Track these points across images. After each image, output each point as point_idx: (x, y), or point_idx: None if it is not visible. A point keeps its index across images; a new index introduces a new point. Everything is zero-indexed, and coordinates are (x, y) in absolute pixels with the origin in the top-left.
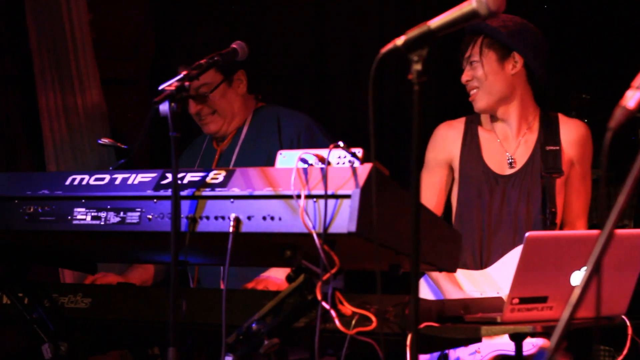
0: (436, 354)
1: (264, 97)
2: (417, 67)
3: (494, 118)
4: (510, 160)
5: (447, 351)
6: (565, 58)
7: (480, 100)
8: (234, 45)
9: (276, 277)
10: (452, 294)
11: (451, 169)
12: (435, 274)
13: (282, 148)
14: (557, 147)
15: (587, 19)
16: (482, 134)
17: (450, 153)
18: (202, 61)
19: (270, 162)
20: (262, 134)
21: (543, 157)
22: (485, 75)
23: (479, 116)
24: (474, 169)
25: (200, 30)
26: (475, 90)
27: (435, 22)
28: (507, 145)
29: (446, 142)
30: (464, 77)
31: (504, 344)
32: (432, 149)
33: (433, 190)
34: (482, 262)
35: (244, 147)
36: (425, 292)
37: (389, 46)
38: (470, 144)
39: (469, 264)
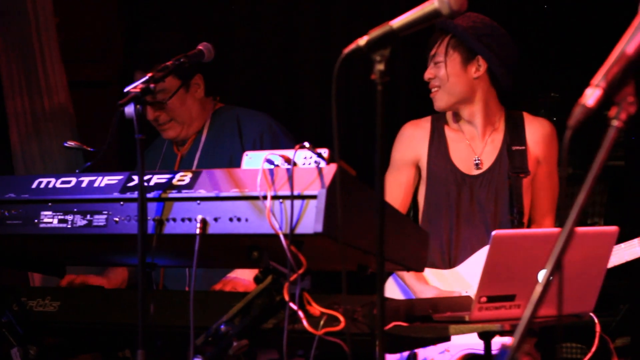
0: (405, 353)
1: (222, 98)
2: (380, 67)
3: (458, 117)
4: (477, 162)
5: (416, 350)
6: (534, 56)
7: (440, 100)
8: (200, 47)
9: (243, 277)
10: (422, 291)
11: (418, 168)
12: (403, 273)
13: (244, 150)
14: (523, 147)
15: (556, 17)
16: (449, 133)
17: (417, 152)
18: (168, 63)
19: (233, 165)
20: (223, 136)
21: (510, 157)
22: (447, 76)
23: (444, 115)
24: (442, 168)
25: (157, 35)
26: (436, 89)
27: (397, 22)
28: (475, 146)
29: (413, 141)
30: (427, 75)
31: (473, 342)
32: (399, 149)
33: (399, 189)
34: (450, 261)
35: (205, 151)
36: (394, 291)
37: (352, 46)
38: (438, 143)
39: (437, 263)
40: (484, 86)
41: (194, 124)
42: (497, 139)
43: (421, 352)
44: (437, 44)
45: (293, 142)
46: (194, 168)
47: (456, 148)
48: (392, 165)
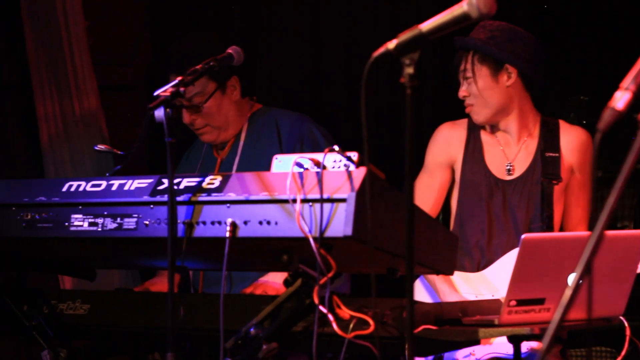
0: (431, 356)
1: (259, 99)
2: (409, 70)
3: (494, 126)
4: (509, 168)
5: (441, 353)
6: (563, 59)
7: (478, 115)
8: (229, 50)
9: (274, 281)
10: (447, 295)
11: (452, 170)
12: (431, 276)
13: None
14: (557, 154)
15: (584, 20)
16: (485, 137)
17: (452, 155)
18: (198, 67)
19: None
20: (262, 141)
21: (543, 163)
22: (480, 91)
23: None
24: (476, 172)
25: (191, 36)
26: (471, 106)
27: (426, 26)
28: (508, 151)
29: (449, 143)
30: (461, 93)
31: (499, 345)
32: (434, 150)
33: (431, 191)
34: (479, 265)
35: (244, 155)
36: (421, 293)
37: (381, 50)
38: (473, 147)
39: (466, 266)
40: (518, 92)
41: (231, 127)
42: (531, 144)
43: (447, 355)
44: (464, 61)
45: (333, 144)
46: (233, 172)
47: (491, 152)
48: (425, 167)
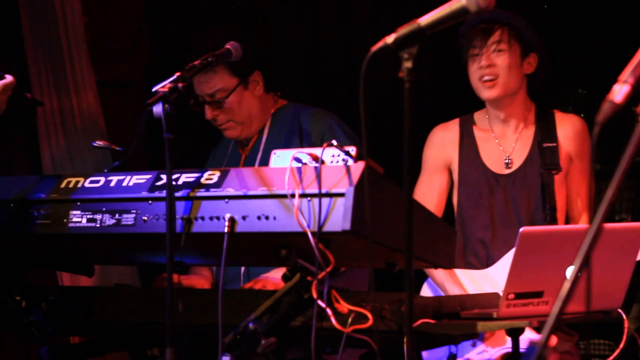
0: (445, 354)
1: (283, 94)
2: (408, 64)
3: (490, 116)
4: (507, 161)
5: (455, 351)
6: (561, 53)
7: (495, 90)
8: (227, 46)
9: (274, 276)
10: (452, 292)
11: (450, 171)
12: (439, 277)
13: None
14: (554, 144)
15: (583, 14)
16: (478, 133)
17: (448, 156)
18: (196, 62)
19: None
20: (284, 136)
21: (541, 154)
22: (509, 67)
23: (472, 116)
24: (473, 170)
25: (211, 33)
26: (492, 77)
27: (425, 20)
28: (505, 144)
29: (443, 145)
30: (486, 62)
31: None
32: (430, 153)
33: (433, 193)
34: (487, 262)
35: (267, 151)
36: (427, 295)
37: (380, 44)
38: (468, 146)
39: (472, 264)
40: (525, 82)
41: (254, 123)
42: (527, 135)
43: (460, 352)
44: (499, 32)
45: (356, 142)
46: None
47: (486, 148)
48: (425, 169)
